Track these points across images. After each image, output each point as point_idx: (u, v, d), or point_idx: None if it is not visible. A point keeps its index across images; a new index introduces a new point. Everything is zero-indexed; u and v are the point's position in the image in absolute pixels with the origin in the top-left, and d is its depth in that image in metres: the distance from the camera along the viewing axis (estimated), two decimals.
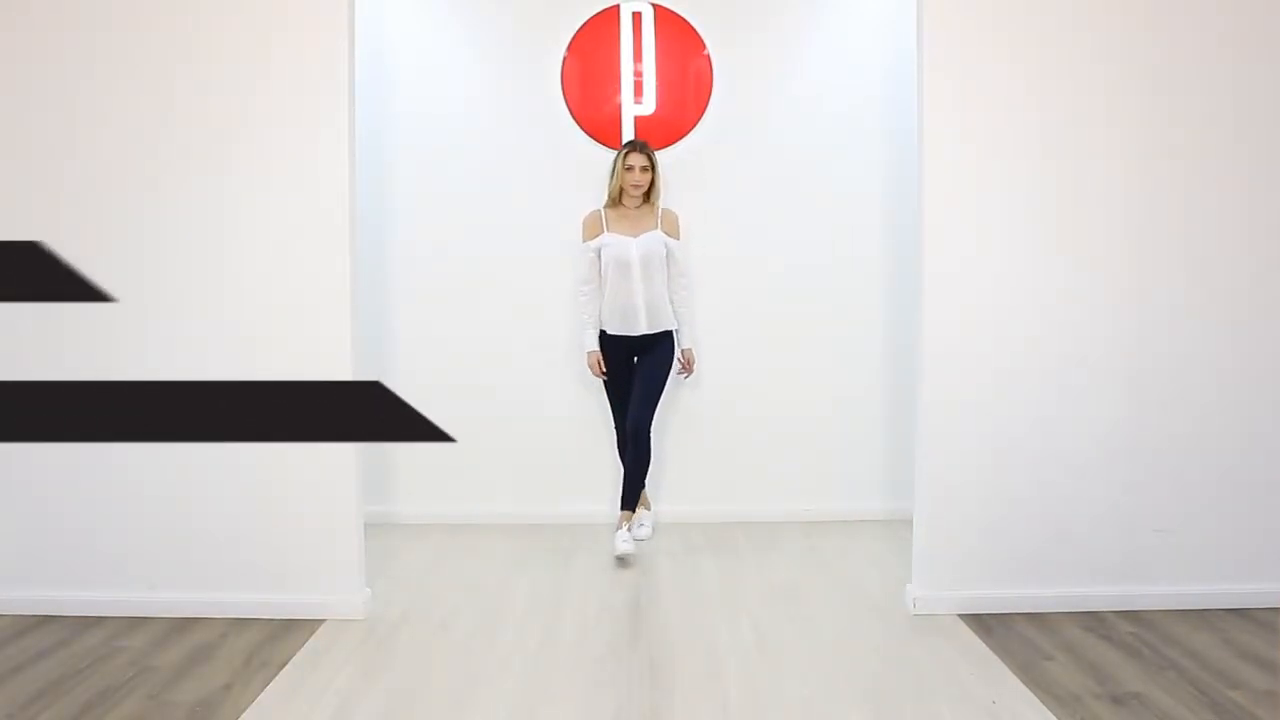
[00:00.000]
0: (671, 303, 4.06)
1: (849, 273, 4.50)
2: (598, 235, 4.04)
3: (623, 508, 4.07)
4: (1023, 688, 2.74)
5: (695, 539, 4.24)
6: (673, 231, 4.08)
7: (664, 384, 4.09)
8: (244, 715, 2.61)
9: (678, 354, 4.13)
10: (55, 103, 3.24)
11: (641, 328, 4.01)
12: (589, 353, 4.07)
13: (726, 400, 4.53)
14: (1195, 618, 3.23)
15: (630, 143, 4.10)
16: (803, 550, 4.11)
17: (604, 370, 4.08)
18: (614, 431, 4.24)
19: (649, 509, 4.23)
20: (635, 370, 4.08)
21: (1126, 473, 3.33)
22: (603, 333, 4.06)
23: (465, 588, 3.67)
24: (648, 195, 4.08)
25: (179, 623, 3.23)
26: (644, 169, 4.01)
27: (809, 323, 4.51)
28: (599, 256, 4.03)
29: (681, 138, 4.46)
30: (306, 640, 3.10)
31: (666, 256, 4.03)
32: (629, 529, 4.00)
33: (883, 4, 4.44)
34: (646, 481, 4.14)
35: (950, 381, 3.29)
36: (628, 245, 4.00)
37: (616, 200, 4.08)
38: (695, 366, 4.21)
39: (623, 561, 3.92)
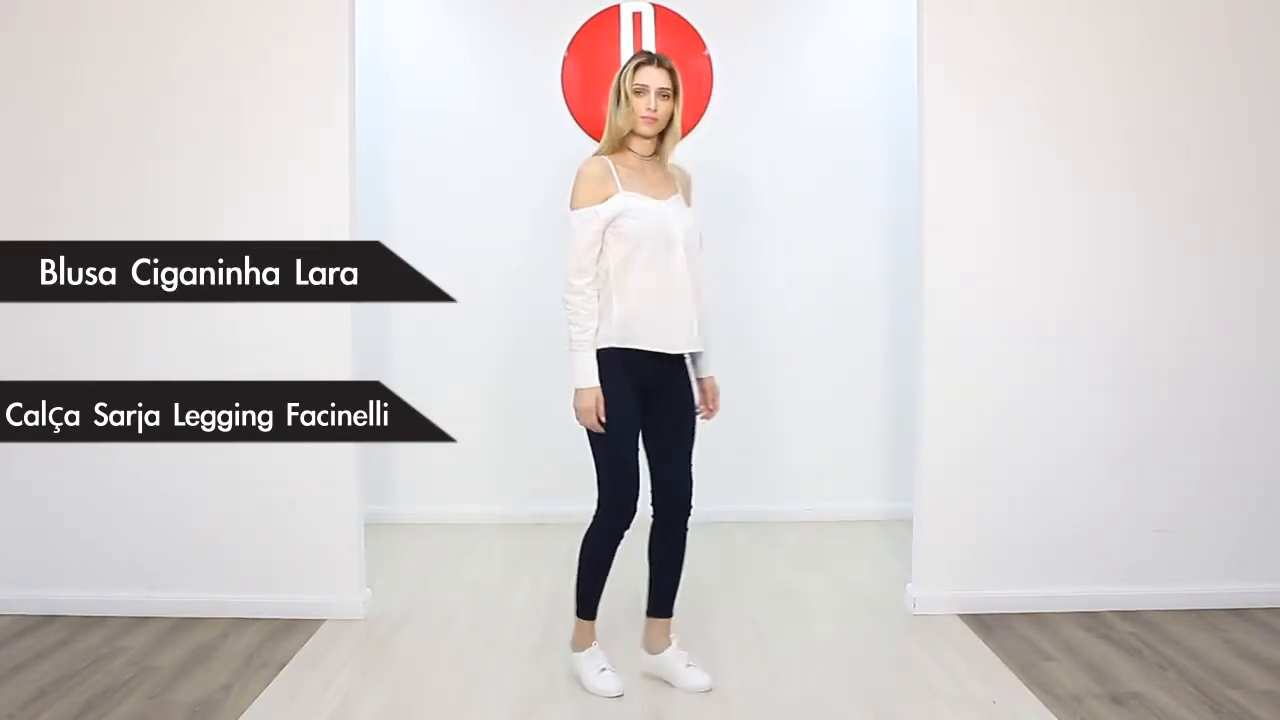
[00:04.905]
0: None
1: (849, 272, 4.49)
2: (609, 196, 2.59)
3: (652, 614, 2.82)
4: (1023, 688, 2.74)
5: (695, 539, 4.20)
6: (689, 200, 2.75)
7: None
8: (244, 715, 2.61)
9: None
10: (51, 103, 3.24)
11: (681, 343, 2.64)
12: (586, 390, 2.58)
13: (726, 401, 4.48)
14: (1195, 618, 3.23)
15: (643, 53, 2.68)
16: (803, 550, 4.10)
17: (603, 419, 2.59)
18: (624, 506, 2.65)
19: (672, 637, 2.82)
20: (655, 415, 2.69)
21: (1126, 473, 3.33)
22: (610, 351, 2.62)
23: (465, 588, 3.67)
24: (661, 142, 2.68)
25: (179, 623, 3.23)
26: (664, 94, 2.61)
27: (809, 322, 4.51)
28: (610, 229, 2.58)
29: (681, 138, 4.44)
30: (306, 640, 3.10)
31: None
32: (686, 661, 2.77)
33: (883, 4, 4.44)
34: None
35: (950, 381, 3.29)
36: (663, 214, 2.60)
37: (620, 146, 2.67)
38: (718, 402, 2.82)
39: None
